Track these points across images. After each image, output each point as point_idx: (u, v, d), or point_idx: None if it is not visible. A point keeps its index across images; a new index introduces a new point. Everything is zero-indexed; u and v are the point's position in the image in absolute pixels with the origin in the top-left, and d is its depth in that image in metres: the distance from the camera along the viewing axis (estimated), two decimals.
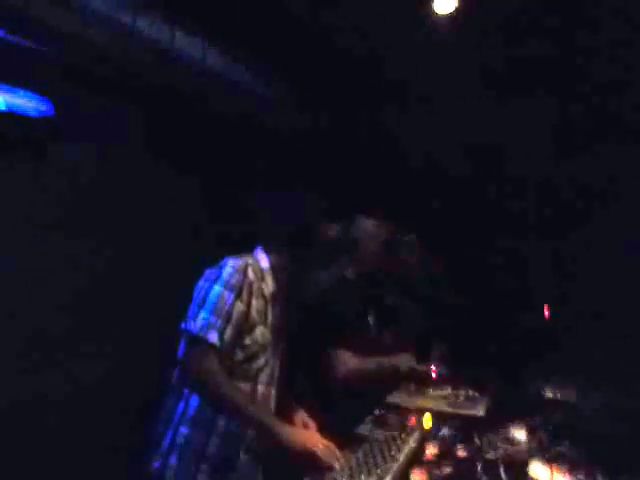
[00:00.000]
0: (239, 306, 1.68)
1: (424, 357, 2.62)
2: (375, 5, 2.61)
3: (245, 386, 1.75)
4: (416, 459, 1.80)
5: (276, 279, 1.83)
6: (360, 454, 1.77)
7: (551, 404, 2.35)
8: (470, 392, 2.45)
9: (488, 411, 2.30)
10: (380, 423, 2.17)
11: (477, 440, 1.93)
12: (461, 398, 2.41)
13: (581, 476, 1.65)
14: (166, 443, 1.73)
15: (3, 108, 2.21)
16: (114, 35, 2.16)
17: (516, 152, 3.69)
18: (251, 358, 1.74)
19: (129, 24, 2.16)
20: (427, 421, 2.09)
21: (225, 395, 1.65)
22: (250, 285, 1.73)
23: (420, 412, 2.20)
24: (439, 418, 2.16)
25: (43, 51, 2.19)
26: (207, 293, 1.67)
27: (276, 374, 1.87)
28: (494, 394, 2.48)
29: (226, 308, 1.65)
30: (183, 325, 1.67)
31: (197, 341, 1.63)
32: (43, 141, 2.39)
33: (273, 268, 1.83)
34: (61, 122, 2.41)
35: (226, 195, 3.33)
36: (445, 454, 1.86)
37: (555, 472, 1.66)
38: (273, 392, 1.85)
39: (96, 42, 2.14)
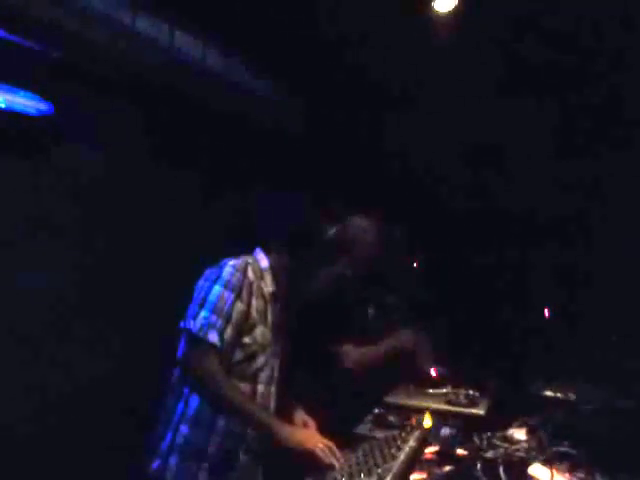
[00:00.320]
0: (239, 306, 1.68)
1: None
2: (375, 4, 2.61)
3: (245, 386, 1.75)
4: (416, 459, 1.80)
5: (275, 279, 1.83)
6: (360, 454, 1.77)
7: (551, 404, 2.35)
8: (470, 392, 2.45)
9: (488, 411, 2.30)
10: (380, 423, 2.17)
11: (477, 440, 1.93)
12: (461, 398, 2.41)
13: (581, 476, 1.65)
14: (166, 443, 1.74)
15: (3, 108, 2.21)
16: (114, 35, 2.16)
17: (516, 152, 3.69)
18: (251, 358, 1.75)
19: (129, 24, 2.16)
20: (427, 421, 2.09)
21: (225, 395, 1.65)
22: (250, 285, 1.73)
23: (420, 412, 2.20)
24: (439, 418, 2.16)
25: (43, 51, 2.19)
26: (207, 293, 1.68)
27: (276, 374, 1.87)
28: (494, 394, 2.48)
29: (226, 308, 1.66)
30: (182, 324, 1.67)
31: (197, 340, 1.63)
32: (43, 141, 2.39)
33: (273, 268, 1.84)
34: (61, 122, 2.41)
35: (226, 195, 3.33)
36: (445, 454, 1.86)
37: (555, 472, 1.66)
38: (273, 392, 1.85)
39: (96, 42, 2.15)
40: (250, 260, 1.79)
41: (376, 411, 2.28)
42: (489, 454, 1.83)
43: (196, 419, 1.72)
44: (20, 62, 2.22)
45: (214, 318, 1.64)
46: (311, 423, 1.91)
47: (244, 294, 1.71)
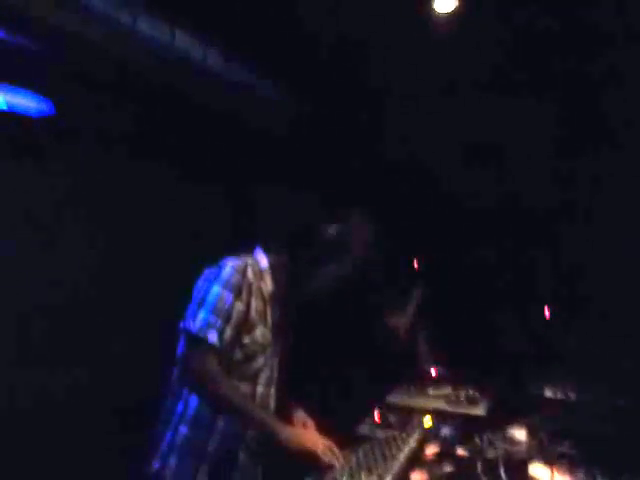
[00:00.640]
0: (238, 306, 1.68)
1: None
2: (375, 5, 2.61)
3: (244, 386, 1.75)
4: (416, 459, 1.80)
5: (275, 279, 1.83)
6: (360, 454, 1.77)
7: (551, 404, 2.35)
8: (470, 392, 2.45)
9: (488, 411, 2.30)
10: (380, 423, 2.17)
11: (477, 440, 1.93)
12: (461, 398, 2.41)
13: (581, 476, 1.65)
14: (166, 443, 1.73)
15: (4, 108, 2.21)
16: (114, 35, 2.15)
17: (516, 151, 3.69)
18: (250, 358, 1.74)
19: (129, 24, 2.16)
20: (427, 421, 2.10)
21: (224, 395, 1.65)
22: (249, 285, 1.72)
23: (420, 412, 2.20)
24: (439, 418, 2.16)
25: (43, 51, 2.19)
26: (206, 293, 1.67)
27: (275, 374, 1.87)
28: (494, 394, 2.48)
29: (225, 308, 1.65)
30: (182, 324, 1.67)
31: (196, 341, 1.63)
32: (43, 141, 2.39)
33: (272, 268, 1.83)
34: (61, 122, 2.41)
35: (226, 195, 3.33)
36: (445, 454, 1.86)
37: (555, 472, 1.66)
38: (272, 392, 1.85)
39: (96, 42, 2.14)
40: (250, 260, 1.78)
41: (376, 411, 2.28)
42: (489, 454, 1.83)
43: (196, 419, 1.72)
44: (20, 62, 2.22)
45: (213, 318, 1.63)
46: (311, 423, 1.91)
47: (243, 294, 1.70)
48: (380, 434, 2.02)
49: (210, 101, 2.79)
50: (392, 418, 2.19)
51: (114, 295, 2.66)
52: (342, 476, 1.62)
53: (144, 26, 2.21)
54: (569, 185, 3.68)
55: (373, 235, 2.30)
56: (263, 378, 1.80)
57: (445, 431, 2.05)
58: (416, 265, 3.54)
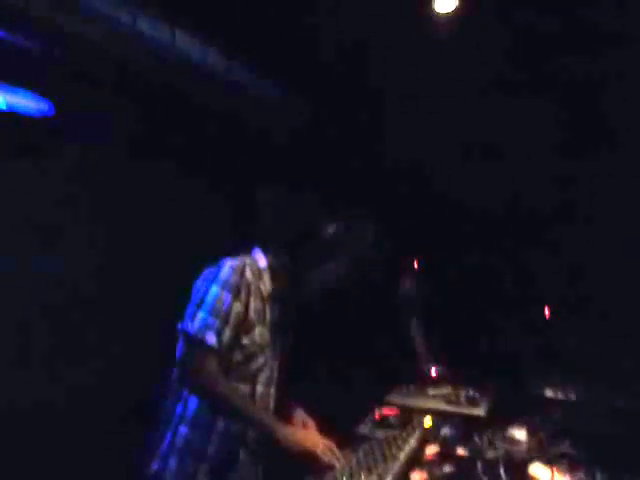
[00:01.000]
0: (237, 307, 1.68)
1: None
2: (375, 5, 2.61)
3: (244, 387, 1.75)
4: (416, 459, 1.80)
5: (274, 279, 1.83)
6: (360, 454, 1.77)
7: (551, 404, 2.35)
8: (470, 392, 2.45)
9: (488, 411, 2.30)
10: (380, 423, 2.17)
11: (477, 440, 1.93)
12: (461, 398, 2.41)
13: (581, 476, 1.65)
14: (165, 444, 1.73)
15: (3, 108, 2.21)
16: (114, 35, 2.15)
17: (516, 151, 3.69)
18: (250, 359, 1.74)
19: (129, 24, 2.16)
20: (427, 421, 2.10)
21: (223, 396, 1.65)
22: (248, 285, 1.72)
23: (420, 412, 2.20)
24: (439, 418, 2.16)
25: (43, 51, 2.19)
26: (205, 293, 1.67)
27: (275, 374, 1.86)
28: (494, 394, 2.48)
29: (224, 309, 1.65)
30: (180, 325, 1.67)
31: (195, 342, 1.62)
32: (43, 141, 2.39)
33: (271, 268, 1.83)
34: (61, 122, 2.41)
35: (225, 195, 3.33)
36: (445, 454, 1.86)
37: (555, 472, 1.66)
38: (272, 392, 1.85)
39: (96, 42, 2.14)
40: (248, 260, 1.78)
41: (376, 411, 2.28)
42: (489, 454, 1.83)
43: (195, 420, 1.72)
44: (20, 62, 2.22)
45: (212, 319, 1.63)
46: (311, 423, 1.91)
47: (242, 295, 1.70)
48: (380, 434, 2.02)
49: (210, 101, 2.79)
50: (392, 418, 2.19)
51: (114, 295, 2.66)
52: (342, 476, 1.62)
53: (144, 26, 2.21)
54: (569, 185, 3.68)
55: (372, 235, 2.30)
56: (262, 378, 1.80)
57: (445, 431, 2.05)
58: (416, 265, 3.54)
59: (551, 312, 3.56)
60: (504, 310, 3.73)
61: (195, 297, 1.69)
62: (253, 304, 1.73)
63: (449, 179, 3.98)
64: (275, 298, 1.83)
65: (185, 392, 1.74)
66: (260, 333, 1.75)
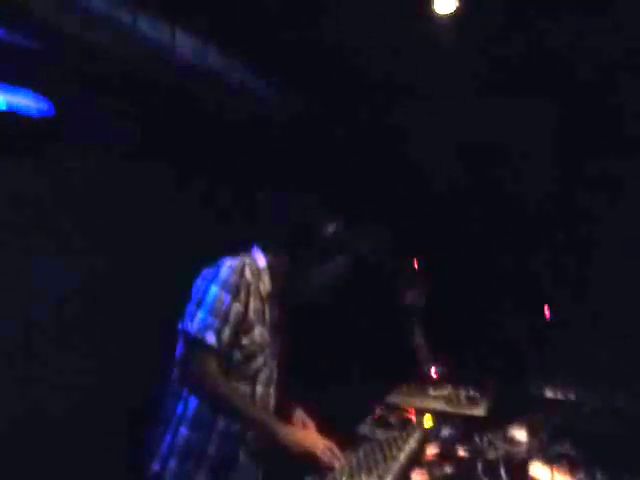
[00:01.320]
0: (236, 307, 1.68)
1: None
2: (375, 4, 2.61)
3: (244, 387, 1.75)
4: (416, 459, 1.80)
5: (273, 278, 1.83)
6: (360, 454, 1.77)
7: (551, 404, 2.35)
8: (470, 392, 2.45)
9: (488, 411, 2.30)
10: (380, 423, 2.17)
11: (477, 440, 1.93)
12: (461, 398, 2.41)
13: (581, 476, 1.65)
14: (165, 444, 1.73)
15: (4, 108, 2.21)
16: (114, 35, 2.15)
17: (517, 153, 3.69)
18: (249, 358, 1.74)
19: (129, 24, 2.16)
20: (427, 421, 2.10)
21: (223, 396, 1.65)
22: (248, 285, 1.72)
23: (420, 412, 2.20)
24: (439, 418, 2.16)
25: (43, 51, 2.19)
26: (204, 293, 1.67)
27: (275, 374, 1.87)
28: (494, 394, 2.48)
29: (223, 309, 1.65)
30: (180, 325, 1.67)
31: (195, 342, 1.62)
32: (43, 141, 2.39)
33: (271, 267, 1.83)
34: (61, 122, 2.41)
35: (225, 195, 3.33)
36: (445, 454, 1.86)
37: (555, 472, 1.66)
38: (272, 392, 1.85)
39: (96, 42, 2.14)
40: (248, 260, 1.78)
41: (376, 411, 2.28)
42: (489, 454, 1.83)
43: (195, 420, 1.72)
44: (20, 62, 2.22)
45: (211, 319, 1.63)
46: (311, 423, 1.91)
47: (241, 295, 1.70)
48: (380, 434, 2.02)
49: (210, 101, 2.79)
50: (392, 418, 2.19)
51: (114, 295, 2.66)
52: (342, 476, 1.62)
53: (144, 26, 2.21)
54: (570, 186, 3.68)
55: (372, 234, 2.30)
56: (262, 378, 1.80)
57: (445, 431, 2.05)
58: (416, 265, 3.54)
59: (551, 312, 3.56)
60: (504, 310, 3.73)
61: (195, 297, 1.69)
62: (253, 304, 1.73)
63: (448, 179, 3.98)
64: (274, 298, 1.83)
65: (185, 392, 1.74)
66: (260, 333, 1.75)
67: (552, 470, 1.67)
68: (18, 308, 2.32)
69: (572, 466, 1.70)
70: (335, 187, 3.16)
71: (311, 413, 1.94)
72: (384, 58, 3.09)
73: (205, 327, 1.62)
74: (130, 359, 2.62)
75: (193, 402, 1.72)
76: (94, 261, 2.62)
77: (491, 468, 1.70)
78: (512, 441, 1.93)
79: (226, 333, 1.65)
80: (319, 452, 1.68)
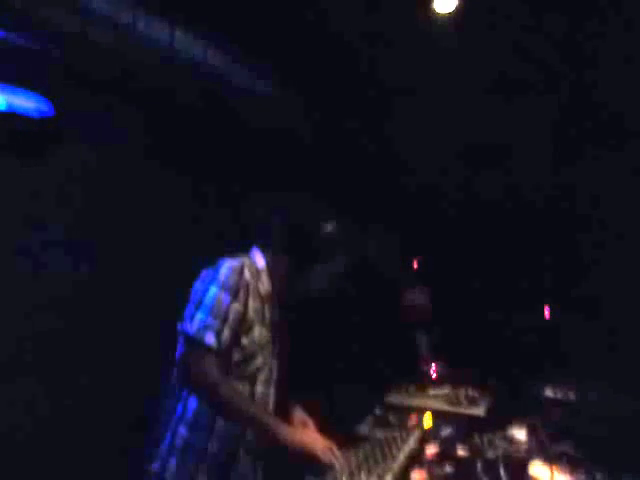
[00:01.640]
0: (236, 307, 1.68)
1: None
2: (374, 4, 2.61)
3: (244, 387, 1.75)
4: (416, 459, 1.80)
5: (272, 278, 1.83)
6: (360, 454, 1.77)
7: (551, 404, 2.35)
8: (470, 392, 2.45)
9: (488, 411, 2.30)
10: (380, 423, 2.17)
11: (477, 440, 1.93)
12: (461, 398, 2.41)
13: (581, 476, 1.65)
14: (165, 444, 1.73)
15: (4, 108, 2.21)
16: (114, 35, 2.15)
17: (518, 154, 3.69)
18: (249, 359, 1.74)
19: (129, 24, 2.16)
20: (427, 421, 2.10)
21: (223, 396, 1.64)
22: (247, 285, 1.72)
23: (420, 412, 2.20)
24: (439, 418, 2.16)
25: (44, 51, 2.19)
26: (203, 294, 1.67)
27: (275, 374, 1.86)
28: (494, 394, 2.48)
29: (223, 309, 1.65)
30: (180, 326, 1.67)
31: (194, 343, 1.62)
32: (43, 141, 2.39)
33: (269, 267, 1.83)
34: (61, 122, 2.41)
35: (224, 195, 3.33)
36: (445, 454, 1.86)
37: (555, 472, 1.66)
38: (272, 392, 1.85)
39: (96, 42, 2.14)
40: (246, 260, 1.78)
41: (376, 412, 2.28)
42: (489, 454, 1.83)
43: (195, 421, 1.72)
44: (20, 62, 2.22)
45: (211, 320, 1.63)
46: (311, 423, 1.91)
47: (241, 295, 1.69)
48: (380, 434, 2.02)
49: (210, 101, 2.79)
50: (392, 418, 2.19)
51: (113, 295, 2.66)
52: (342, 476, 1.62)
53: (144, 26, 2.21)
54: (571, 186, 3.68)
55: (373, 235, 2.31)
56: (262, 378, 1.80)
57: (445, 431, 2.05)
58: (416, 265, 3.54)
59: (551, 312, 3.56)
60: (504, 310, 3.74)
61: (194, 298, 1.69)
62: (252, 304, 1.73)
63: (448, 178, 3.99)
64: (274, 298, 1.83)
65: (185, 392, 1.74)
66: (259, 333, 1.75)
67: (552, 470, 1.67)
68: (18, 307, 2.32)
69: (572, 466, 1.70)
70: (337, 189, 3.17)
71: (311, 413, 1.94)
72: (383, 57, 3.10)
73: (204, 327, 1.62)
74: (130, 360, 2.62)
75: (193, 402, 1.72)
76: (94, 261, 2.62)
77: (491, 468, 1.70)
78: (512, 441, 1.93)
79: (225, 333, 1.65)
80: (319, 452, 1.68)
